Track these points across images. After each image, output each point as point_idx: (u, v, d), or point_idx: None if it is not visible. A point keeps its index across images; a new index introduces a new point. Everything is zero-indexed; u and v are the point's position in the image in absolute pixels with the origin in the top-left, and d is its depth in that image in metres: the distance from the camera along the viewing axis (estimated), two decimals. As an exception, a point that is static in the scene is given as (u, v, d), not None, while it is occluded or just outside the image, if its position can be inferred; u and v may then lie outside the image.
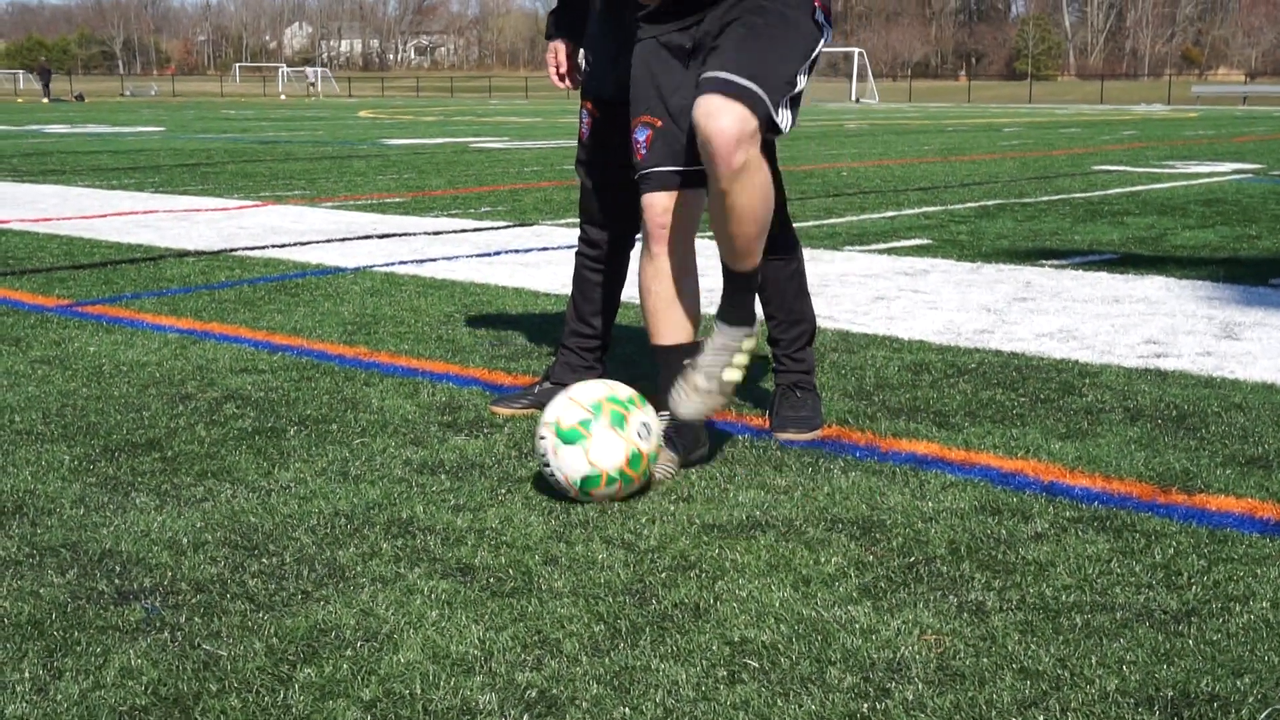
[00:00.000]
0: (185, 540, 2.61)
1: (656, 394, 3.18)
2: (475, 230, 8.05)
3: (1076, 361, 4.29)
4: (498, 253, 7.01)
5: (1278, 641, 2.15)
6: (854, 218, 8.85)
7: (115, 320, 4.99)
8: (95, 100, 59.06)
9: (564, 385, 3.43)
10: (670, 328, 3.19)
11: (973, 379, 4.03)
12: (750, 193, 2.90)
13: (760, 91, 2.86)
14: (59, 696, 1.96)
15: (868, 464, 3.16)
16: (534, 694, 1.98)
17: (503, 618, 2.25)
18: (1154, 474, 3.06)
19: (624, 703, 1.95)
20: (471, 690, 1.99)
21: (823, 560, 2.51)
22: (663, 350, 3.21)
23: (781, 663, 2.08)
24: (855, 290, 5.80)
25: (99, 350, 4.42)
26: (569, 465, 2.82)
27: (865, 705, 1.94)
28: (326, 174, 12.90)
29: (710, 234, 3.05)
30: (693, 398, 3.02)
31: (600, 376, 3.55)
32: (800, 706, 1.94)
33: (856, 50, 63.50)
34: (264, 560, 2.51)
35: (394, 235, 7.73)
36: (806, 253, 6.88)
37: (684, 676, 2.03)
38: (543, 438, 2.87)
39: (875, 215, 9.00)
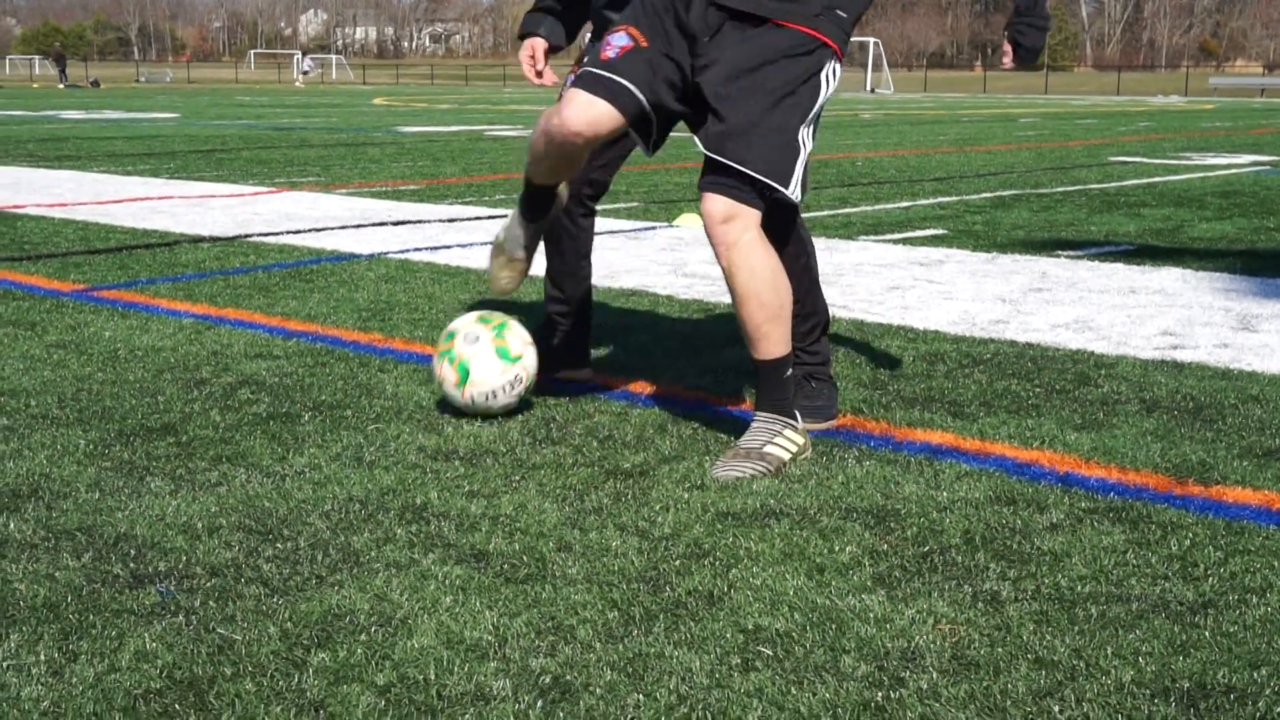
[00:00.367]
0: (200, 525, 2.61)
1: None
2: (490, 218, 8.04)
3: (1092, 352, 4.28)
4: (512, 240, 7.00)
5: (1294, 634, 2.14)
6: (869, 207, 8.83)
7: (130, 305, 5.00)
8: (110, 86, 59.20)
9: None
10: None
11: (988, 369, 4.02)
12: (747, 273, 2.96)
13: (755, 175, 2.91)
14: (74, 679, 1.97)
15: (882, 453, 3.15)
16: (548, 680, 1.97)
17: (516, 604, 2.25)
18: (1170, 465, 3.05)
19: (637, 689, 1.95)
20: (485, 676, 1.99)
21: (837, 549, 2.51)
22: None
23: (795, 651, 2.07)
24: (870, 280, 5.79)
25: (114, 335, 4.42)
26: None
27: (879, 694, 1.94)
28: (341, 161, 12.91)
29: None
30: (731, 464, 3.00)
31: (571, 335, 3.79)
32: (814, 695, 1.93)
33: (872, 40, 63.41)
34: (278, 545, 2.51)
35: (408, 222, 7.73)
36: (821, 242, 6.87)
37: (698, 664, 2.03)
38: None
39: (890, 205, 8.98)
